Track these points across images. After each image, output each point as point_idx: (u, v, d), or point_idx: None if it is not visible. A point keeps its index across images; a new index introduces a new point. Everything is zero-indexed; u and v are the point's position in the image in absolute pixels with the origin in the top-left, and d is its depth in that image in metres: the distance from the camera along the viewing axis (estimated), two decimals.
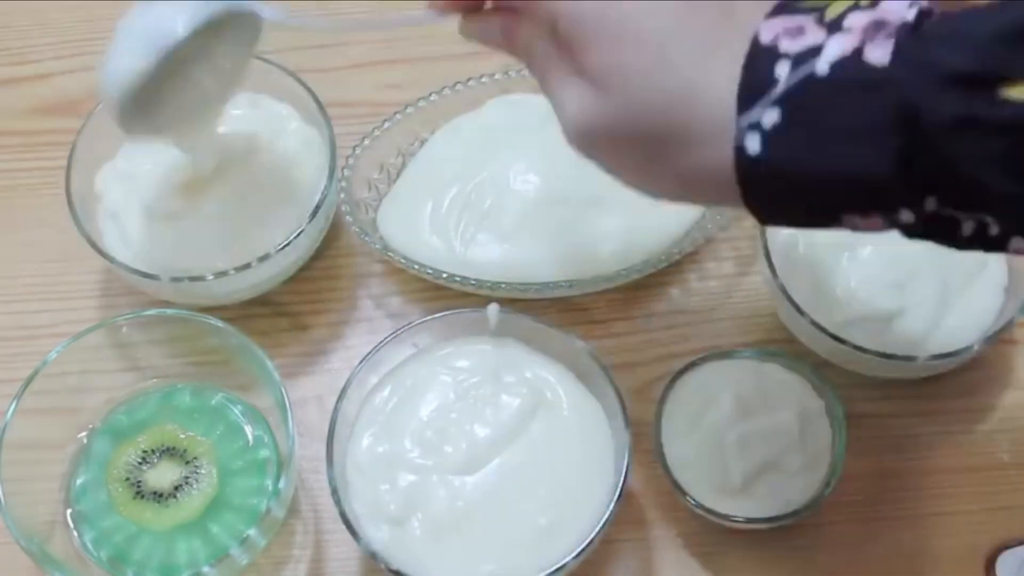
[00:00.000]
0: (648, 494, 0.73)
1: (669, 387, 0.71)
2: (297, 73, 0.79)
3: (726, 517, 0.68)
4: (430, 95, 0.81)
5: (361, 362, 0.70)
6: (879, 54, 0.44)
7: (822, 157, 0.45)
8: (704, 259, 0.81)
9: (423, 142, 0.82)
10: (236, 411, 0.73)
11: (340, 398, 0.69)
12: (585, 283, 0.76)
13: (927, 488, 0.74)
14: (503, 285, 0.76)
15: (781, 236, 0.74)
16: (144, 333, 0.73)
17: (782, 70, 0.45)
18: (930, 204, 0.45)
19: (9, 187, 0.85)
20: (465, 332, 0.72)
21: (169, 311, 0.73)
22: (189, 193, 0.77)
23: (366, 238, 0.77)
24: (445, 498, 0.68)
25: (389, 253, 0.77)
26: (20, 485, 0.69)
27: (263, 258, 0.74)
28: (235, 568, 0.68)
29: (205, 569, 0.65)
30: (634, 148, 0.50)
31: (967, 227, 0.45)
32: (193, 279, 0.73)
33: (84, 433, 0.73)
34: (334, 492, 0.67)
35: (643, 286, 0.79)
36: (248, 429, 0.73)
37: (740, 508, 0.68)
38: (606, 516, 0.65)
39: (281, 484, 0.67)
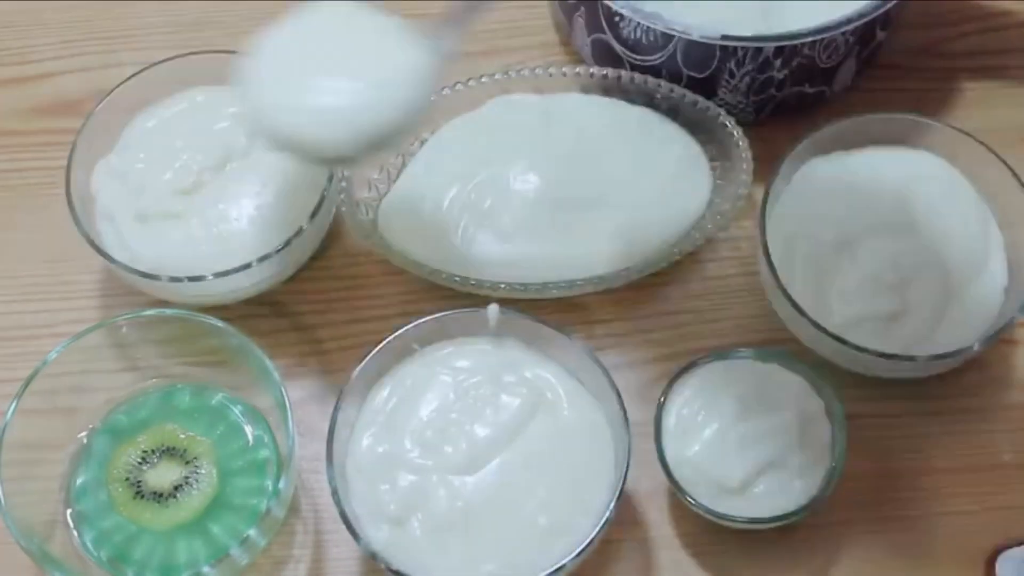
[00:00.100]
0: (648, 494, 0.73)
1: (669, 387, 0.71)
2: None
3: (726, 517, 0.68)
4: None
5: (361, 362, 0.70)
6: None
7: None
8: (704, 259, 0.81)
9: (423, 142, 0.82)
10: (236, 411, 0.73)
11: (340, 398, 0.69)
12: (585, 283, 0.76)
13: (927, 488, 0.74)
14: (503, 285, 0.76)
15: (781, 236, 0.74)
16: (144, 333, 0.73)
17: None
18: None
19: (9, 187, 0.85)
20: (465, 332, 0.72)
21: (169, 311, 0.73)
22: (187, 193, 0.78)
23: (366, 238, 0.77)
24: (445, 498, 0.68)
25: (389, 253, 0.77)
26: (20, 485, 0.69)
27: (263, 258, 0.74)
28: (235, 568, 0.68)
29: (205, 569, 0.65)
30: None
31: None
32: (193, 279, 0.73)
33: (84, 433, 0.73)
34: (334, 492, 0.67)
35: (643, 286, 0.79)
36: (248, 429, 0.73)
37: (740, 508, 0.68)
38: (606, 516, 0.65)
39: (281, 484, 0.67)
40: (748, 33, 0.77)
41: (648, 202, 0.79)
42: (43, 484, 0.71)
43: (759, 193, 0.75)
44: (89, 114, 0.78)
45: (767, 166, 0.76)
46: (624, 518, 0.72)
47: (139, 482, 0.71)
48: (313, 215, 0.75)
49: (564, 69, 0.82)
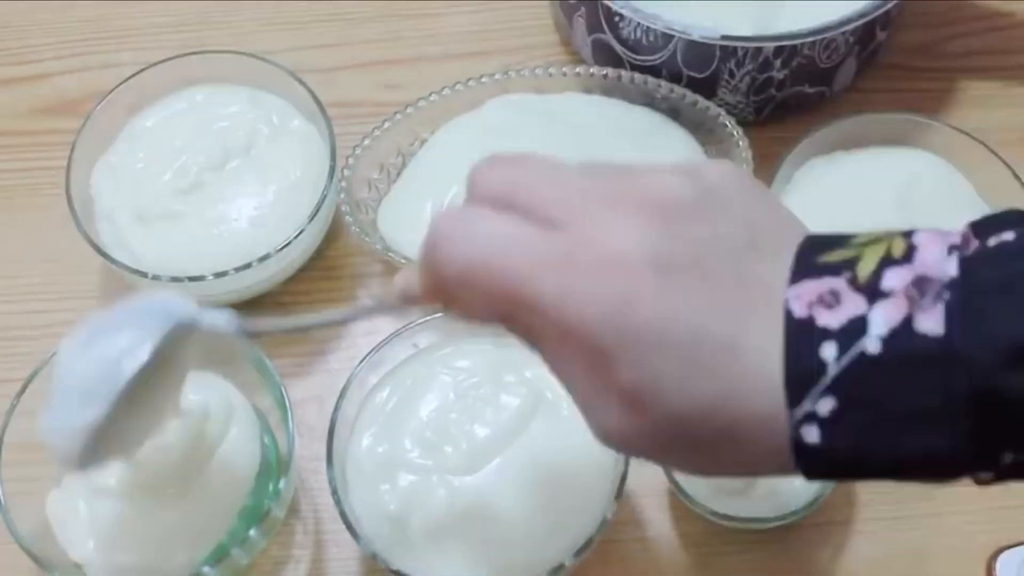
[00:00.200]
0: (648, 494, 0.73)
1: None
2: (297, 73, 0.79)
3: (726, 517, 0.68)
4: (430, 95, 0.82)
5: (361, 362, 0.70)
6: (931, 324, 0.39)
7: (887, 441, 0.41)
8: None
9: (423, 142, 0.82)
10: None
11: (340, 398, 0.69)
12: None
13: (927, 488, 0.74)
14: None
15: None
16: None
17: (828, 352, 0.40)
18: (1007, 458, 0.41)
19: (9, 187, 0.85)
20: (465, 332, 0.72)
21: None
22: (186, 193, 0.78)
23: (366, 238, 0.77)
24: (445, 498, 0.68)
25: (389, 253, 0.77)
26: (20, 485, 0.69)
27: (263, 258, 0.74)
28: (235, 568, 0.68)
29: (205, 569, 0.65)
30: (682, 452, 0.45)
31: None
32: (193, 279, 0.73)
33: None
34: (334, 492, 0.67)
35: None
36: None
37: (740, 508, 0.68)
38: (606, 516, 0.65)
39: (281, 484, 0.67)
40: (748, 33, 0.77)
41: None
42: (43, 484, 0.71)
43: None
44: (89, 114, 0.78)
45: (767, 166, 0.76)
46: (624, 518, 0.72)
47: None
48: (313, 215, 0.75)
49: (564, 69, 0.82)
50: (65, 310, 0.80)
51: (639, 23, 0.78)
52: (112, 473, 0.68)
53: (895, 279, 0.41)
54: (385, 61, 0.89)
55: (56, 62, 0.90)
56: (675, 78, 0.81)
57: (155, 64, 0.80)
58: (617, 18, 0.80)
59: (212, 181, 0.78)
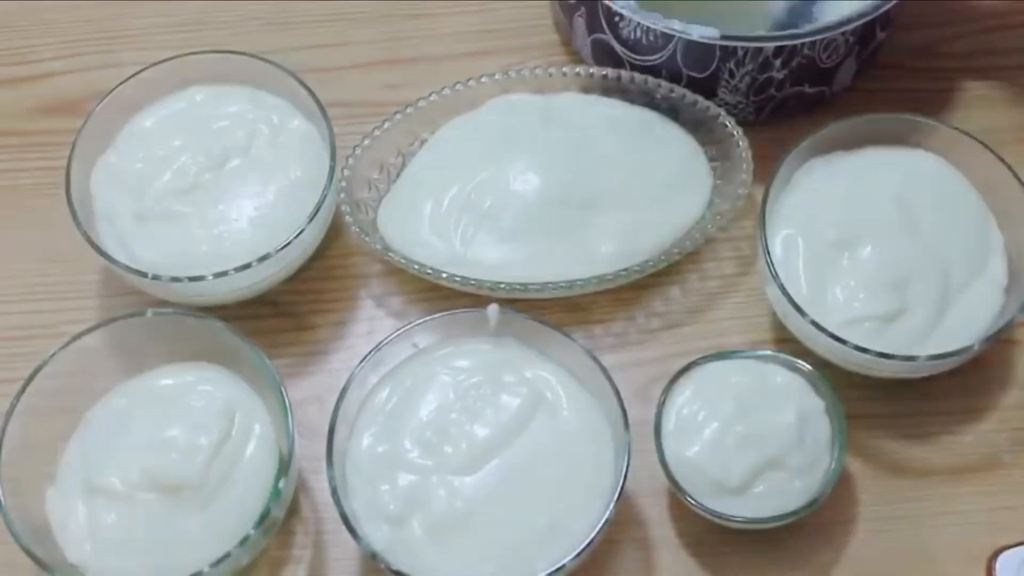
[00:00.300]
0: (648, 494, 0.73)
1: (669, 387, 0.71)
2: (297, 73, 0.79)
3: (726, 517, 0.68)
4: (430, 95, 0.82)
5: (361, 362, 0.70)
6: None
7: None
8: (704, 259, 0.81)
9: (423, 142, 0.82)
10: None
11: (340, 398, 0.69)
12: (585, 283, 0.76)
13: (927, 488, 0.74)
14: (503, 285, 0.76)
15: (781, 236, 0.74)
16: (144, 333, 0.73)
17: None
18: None
19: (9, 187, 0.85)
20: (465, 332, 0.72)
21: (169, 311, 0.73)
22: (186, 193, 0.78)
23: (366, 238, 0.77)
24: (445, 498, 0.68)
25: (389, 253, 0.77)
26: (20, 485, 0.69)
27: (263, 258, 0.74)
28: (235, 568, 0.68)
29: (205, 569, 0.65)
30: None
31: None
32: (193, 279, 0.73)
33: None
34: (334, 492, 0.67)
35: (643, 286, 0.79)
36: None
37: (740, 508, 0.68)
38: (606, 516, 0.65)
39: (281, 484, 0.67)
40: (748, 33, 0.77)
41: (648, 202, 0.79)
42: (42, 484, 0.71)
43: (759, 193, 0.75)
44: (89, 114, 0.78)
45: (767, 166, 0.76)
46: (624, 518, 0.72)
47: None
48: (313, 215, 0.75)
49: (564, 69, 0.82)
50: (65, 310, 0.80)
51: (639, 23, 0.78)
52: (114, 474, 0.68)
53: None
54: (385, 61, 0.89)
55: (56, 62, 0.90)
56: (675, 78, 0.81)
57: (155, 64, 0.80)
58: (617, 18, 0.80)
59: (212, 181, 0.78)
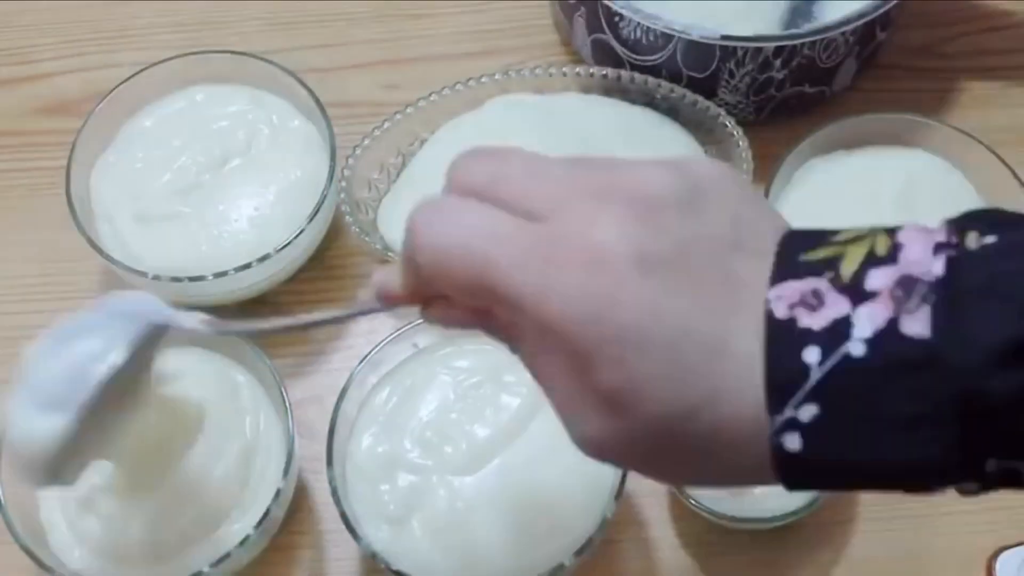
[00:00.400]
0: (648, 494, 0.73)
1: None
2: (297, 73, 0.79)
3: (726, 517, 0.68)
4: (430, 95, 0.82)
5: (361, 362, 0.70)
6: (918, 327, 0.38)
7: (871, 448, 0.39)
8: None
9: (423, 142, 0.82)
10: None
11: (340, 398, 0.69)
12: None
13: None
14: None
15: None
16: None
17: (811, 356, 0.39)
18: (991, 465, 0.40)
19: (9, 187, 0.85)
20: (465, 332, 0.72)
21: None
22: (186, 193, 0.77)
23: (366, 238, 0.77)
24: (445, 498, 0.68)
25: (389, 253, 0.77)
26: (20, 485, 0.68)
27: (263, 258, 0.74)
28: (235, 568, 0.68)
29: (205, 569, 0.65)
30: (660, 459, 0.43)
31: None
32: (193, 279, 0.73)
33: None
34: (334, 492, 0.67)
35: None
36: None
37: (740, 508, 0.68)
38: (606, 516, 0.65)
39: (281, 484, 0.67)
40: (748, 33, 0.77)
41: None
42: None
43: (759, 193, 0.75)
44: (89, 114, 0.78)
45: (767, 166, 0.76)
46: (624, 518, 0.72)
47: None
48: (313, 215, 0.75)
49: (564, 69, 0.82)
50: (65, 310, 0.79)
51: (639, 23, 0.78)
52: (90, 482, 0.68)
53: (879, 279, 0.39)
54: (385, 61, 0.89)
55: (56, 62, 0.90)
56: (675, 78, 0.81)
57: (155, 64, 0.80)
58: (617, 18, 0.80)
59: (212, 181, 0.78)
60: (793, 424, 0.39)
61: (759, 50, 0.77)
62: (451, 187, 0.46)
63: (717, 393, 0.40)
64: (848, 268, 0.40)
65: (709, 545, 0.72)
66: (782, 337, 0.40)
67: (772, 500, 0.68)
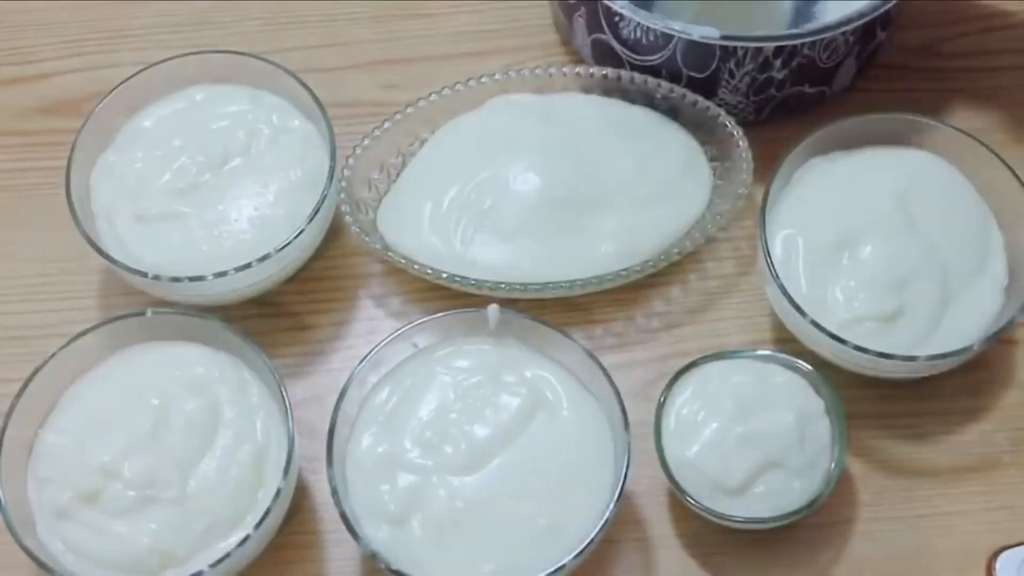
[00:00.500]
0: (648, 494, 0.73)
1: (669, 387, 0.71)
2: (297, 73, 0.79)
3: (726, 517, 0.68)
4: (430, 95, 0.82)
5: (361, 362, 0.70)
6: None
7: None
8: (704, 259, 0.81)
9: (423, 142, 0.82)
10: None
11: (340, 398, 0.69)
12: (585, 283, 0.76)
13: (927, 488, 0.74)
14: (503, 285, 0.76)
15: (781, 236, 0.74)
16: (144, 333, 0.73)
17: None
18: None
19: (9, 187, 0.85)
20: (465, 332, 0.72)
21: (169, 311, 0.73)
22: (185, 194, 0.77)
23: (366, 238, 0.77)
24: (445, 498, 0.68)
25: (389, 253, 0.77)
26: (20, 485, 0.69)
27: (263, 258, 0.74)
28: (235, 568, 0.68)
29: (205, 569, 0.65)
30: None
31: None
32: (193, 279, 0.73)
33: None
34: (334, 492, 0.67)
35: (643, 286, 0.79)
36: None
37: (740, 508, 0.68)
38: (606, 516, 0.65)
39: (281, 484, 0.67)
40: (748, 33, 0.77)
41: (648, 202, 0.79)
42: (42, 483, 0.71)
43: (759, 193, 0.75)
44: (89, 114, 0.78)
45: (767, 166, 0.76)
46: (624, 518, 0.72)
47: None
48: (313, 215, 0.75)
49: (564, 69, 0.82)
50: (65, 310, 0.80)
51: (639, 23, 0.78)
52: (64, 493, 0.68)
53: None
54: (385, 61, 0.89)
55: (56, 62, 0.90)
56: (675, 78, 0.81)
57: (155, 64, 0.80)
58: (617, 18, 0.80)
59: (212, 181, 0.78)
60: None
61: (759, 50, 0.77)
62: None
63: None
64: None
65: (709, 545, 0.72)
66: None
67: (772, 500, 0.68)
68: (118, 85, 0.79)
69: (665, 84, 0.81)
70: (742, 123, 0.80)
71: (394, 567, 0.65)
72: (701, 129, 0.81)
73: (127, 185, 0.78)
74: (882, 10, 0.77)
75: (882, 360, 0.70)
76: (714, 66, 0.79)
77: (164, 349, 0.72)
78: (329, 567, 0.73)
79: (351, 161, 0.79)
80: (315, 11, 0.91)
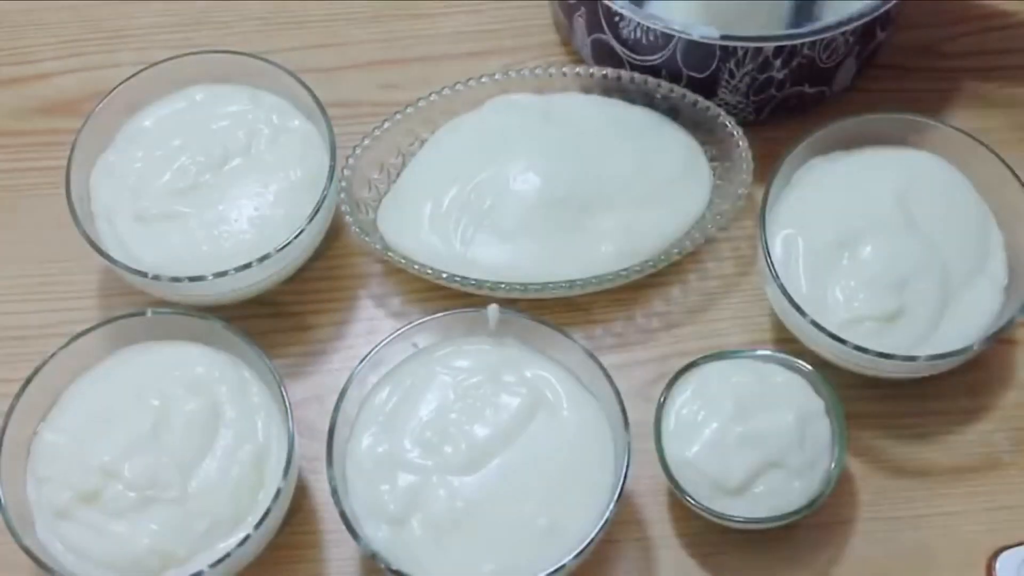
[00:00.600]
0: (648, 494, 0.73)
1: (669, 387, 0.71)
2: (297, 73, 0.79)
3: (726, 517, 0.68)
4: (430, 95, 0.82)
5: (361, 362, 0.70)
6: None
7: None
8: (704, 259, 0.81)
9: (423, 142, 0.82)
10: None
11: (340, 398, 0.69)
12: (585, 283, 0.76)
13: (927, 488, 0.74)
14: (503, 285, 0.76)
15: (781, 236, 0.74)
16: (144, 333, 0.73)
17: None
18: None
19: (9, 187, 0.85)
20: (465, 332, 0.72)
21: (169, 311, 0.73)
22: (185, 194, 0.77)
23: (366, 238, 0.77)
24: (445, 498, 0.68)
25: (389, 253, 0.77)
26: (20, 485, 0.69)
27: (263, 258, 0.74)
28: (235, 568, 0.68)
29: (205, 569, 0.65)
30: None
31: None
32: (193, 279, 0.73)
33: None
34: (334, 492, 0.67)
35: (643, 286, 0.79)
36: None
37: (740, 508, 0.68)
38: (606, 516, 0.65)
39: (281, 484, 0.67)
40: (748, 33, 0.77)
41: (648, 202, 0.79)
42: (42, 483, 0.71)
43: (759, 193, 0.75)
44: (89, 114, 0.78)
45: (767, 166, 0.76)
46: (624, 518, 0.72)
47: None
48: (313, 215, 0.75)
49: (564, 69, 0.82)
50: (65, 310, 0.80)
51: (639, 23, 0.78)
52: (64, 493, 0.68)
53: None
54: (385, 61, 0.89)
55: (56, 62, 0.90)
56: (675, 78, 0.81)
57: (155, 64, 0.80)
58: (617, 18, 0.80)
59: (212, 181, 0.78)
60: None
61: (759, 50, 0.77)
62: None
63: None
64: None
65: (709, 545, 0.72)
66: None
67: (772, 500, 0.68)
68: (118, 85, 0.79)
69: (665, 84, 0.81)
70: (742, 123, 0.80)
71: (394, 567, 0.65)
72: (701, 129, 0.81)
73: (127, 185, 0.78)
74: (882, 10, 0.77)
75: (882, 360, 0.70)
76: (714, 66, 0.79)
77: (164, 349, 0.72)
78: (329, 567, 0.73)
79: (351, 161, 0.79)
80: (314, 11, 0.91)
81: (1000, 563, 0.70)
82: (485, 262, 0.77)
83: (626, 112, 0.82)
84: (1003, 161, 0.74)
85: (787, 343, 0.75)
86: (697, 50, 0.78)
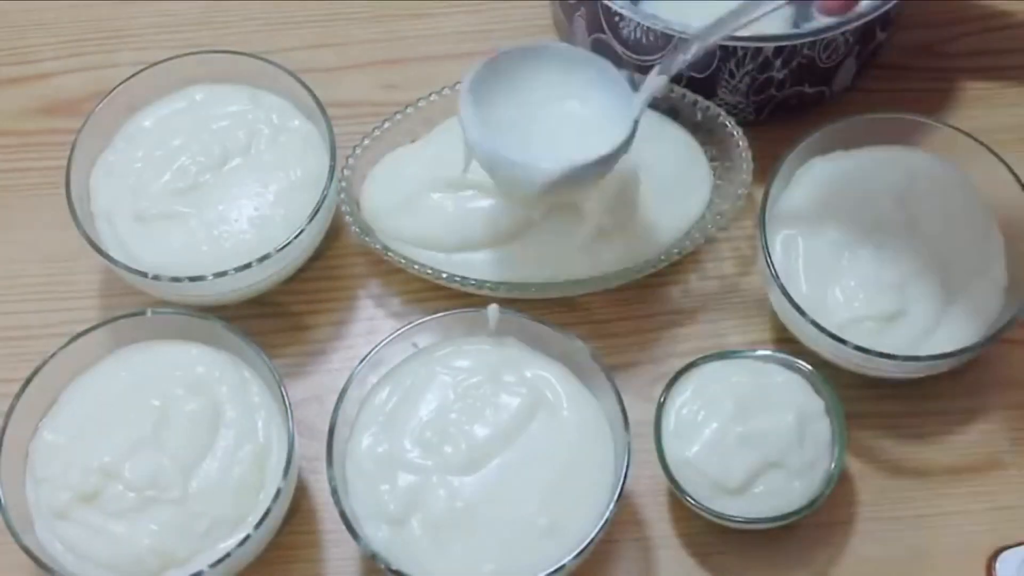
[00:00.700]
0: (648, 494, 0.73)
1: (669, 387, 0.71)
2: (297, 73, 0.79)
3: (726, 517, 0.68)
4: (430, 95, 0.81)
5: (361, 362, 0.70)
6: None
7: None
8: (704, 259, 0.81)
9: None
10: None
11: (340, 398, 0.69)
12: (585, 283, 0.76)
13: (927, 488, 0.74)
14: (503, 285, 0.76)
15: (781, 236, 0.74)
16: (144, 333, 0.73)
17: None
18: None
19: (9, 187, 0.85)
20: (465, 332, 0.72)
21: (169, 311, 0.73)
22: (185, 194, 0.77)
23: (366, 238, 0.77)
24: (445, 498, 0.68)
25: (389, 253, 0.77)
26: (20, 485, 0.69)
27: (263, 258, 0.74)
28: (235, 568, 0.68)
29: (205, 569, 0.65)
30: None
31: None
32: (193, 279, 0.73)
33: None
34: (334, 492, 0.67)
35: (643, 286, 0.79)
36: None
37: (740, 508, 0.68)
38: (606, 516, 0.65)
39: (281, 484, 0.67)
40: (748, 33, 0.77)
41: (648, 202, 0.78)
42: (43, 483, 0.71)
43: (759, 193, 0.75)
44: (89, 114, 0.78)
45: (767, 166, 0.76)
46: (624, 518, 0.72)
47: None
48: (313, 215, 0.75)
49: None
50: (65, 310, 0.80)
51: (639, 23, 0.78)
52: (63, 493, 0.68)
53: None
54: (385, 61, 0.89)
55: (56, 62, 0.90)
56: (675, 78, 0.81)
57: (155, 64, 0.80)
58: (617, 18, 0.80)
59: (212, 181, 0.78)
60: None
61: (759, 50, 0.77)
62: None
63: None
64: None
65: (709, 545, 0.72)
66: None
67: (772, 500, 0.68)
68: (118, 85, 0.79)
69: None
70: (742, 123, 0.80)
71: (394, 567, 0.65)
72: (701, 129, 0.81)
73: (127, 185, 0.78)
74: (882, 10, 0.77)
75: (882, 360, 0.70)
76: (714, 66, 0.79)
77: (164, 349, 0.72)
78: (329, 567, 0.73)
79: (351, 161, 0.79)
80: (314, 11, 0.91)
81: (1000, 563, 0.70)
82: (485, 262, 0.77)
83: None
84: (1003, 161, 0.74)
85: (787, 343, 0.75)
86: None
